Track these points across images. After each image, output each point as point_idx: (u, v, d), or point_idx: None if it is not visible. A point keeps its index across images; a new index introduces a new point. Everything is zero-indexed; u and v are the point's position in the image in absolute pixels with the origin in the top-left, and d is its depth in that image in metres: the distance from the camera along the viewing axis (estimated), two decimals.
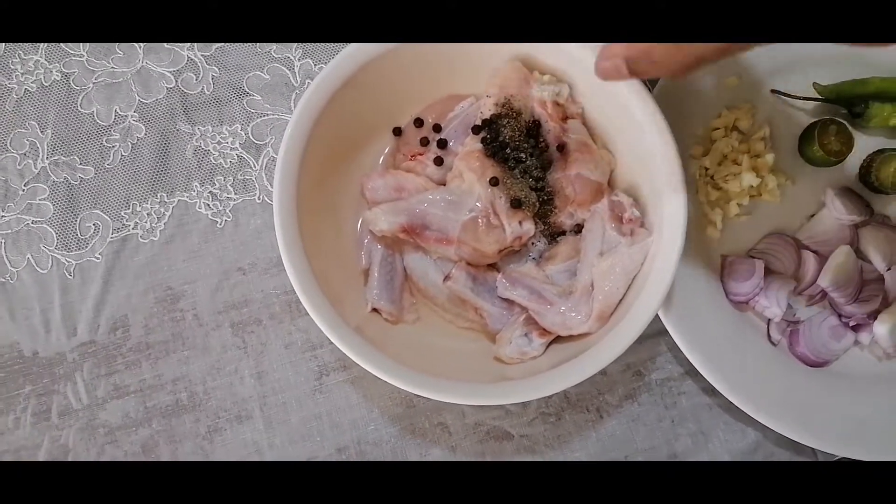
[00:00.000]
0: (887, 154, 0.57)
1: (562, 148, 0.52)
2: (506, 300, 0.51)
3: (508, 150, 0.51)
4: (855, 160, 0.59)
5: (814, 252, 0.57)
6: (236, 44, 0.59)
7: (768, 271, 0.56)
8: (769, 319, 0.56)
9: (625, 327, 0.46)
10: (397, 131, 0.54)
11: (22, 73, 0.58)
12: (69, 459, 0.52)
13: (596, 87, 0.50)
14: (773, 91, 0.60)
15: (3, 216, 0.56)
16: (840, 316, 0.57)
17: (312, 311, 0.46)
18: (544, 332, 0.49)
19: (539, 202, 0.51)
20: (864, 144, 0.59)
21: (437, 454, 0.54)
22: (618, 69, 0.37)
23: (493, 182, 0.49)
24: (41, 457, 0.52)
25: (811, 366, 0.55)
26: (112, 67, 0.58)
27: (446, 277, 0.51)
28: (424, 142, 0.53)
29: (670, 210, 0.47)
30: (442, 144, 0.53)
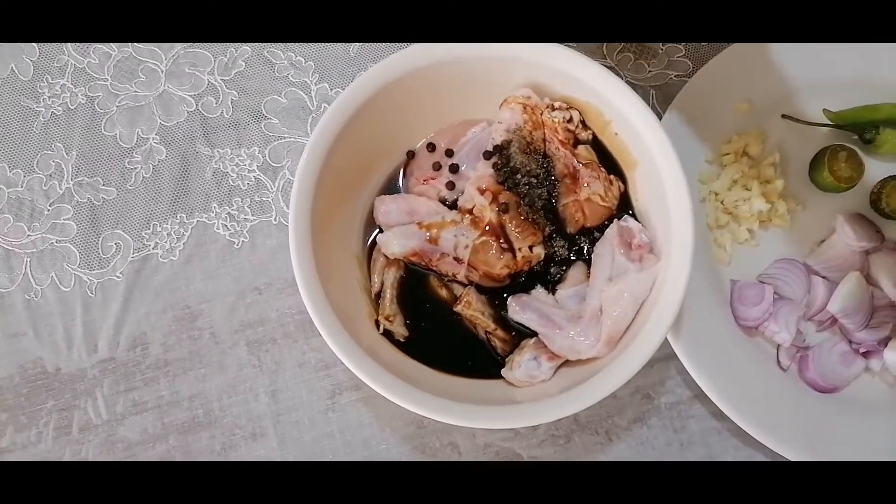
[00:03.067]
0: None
1: (572, 174, 0.53)
2: (516, 323, 0.52)
3: (519, 176, 0.52)
4: (866, 186, 0.59)
5: (824, 278, 0.57)
6: (255, 69, 0.61)
7: (778, 296, 0.57)
8: (779, 345, 0.56)
9: (633, 353, 0.46)
10: (410, 155, 0.56)
11: (49, 97, 0.60)
12: None
13: (609, 113, 0.51)
14: (783, 116, 0.60)
15: (28, 235, 0.58)
16: (850, 342, 0.57)
17: (325, 333, 0.47)
18: (553, 355, 0.50)
19: (550, 226, 0.52)
20: (876, 170, 0.59)
21: None
22: None
23: (504, 208, 0.50)
24: None
25: (821, 392, 0.56)
26: (135, 91, 0.60)
27: (457, 301, 0.52)
28: (437, 166, 0.54)
29: (679, 236, 0.48)
30: (454, 169, 0.54)
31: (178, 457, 0.54)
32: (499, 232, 0.51)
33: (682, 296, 0.47)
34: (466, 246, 0.51)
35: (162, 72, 0.61)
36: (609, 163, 0.54)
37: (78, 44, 0.61)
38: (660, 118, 0.57)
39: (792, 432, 0.53)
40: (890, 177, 0.58)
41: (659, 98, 0.62)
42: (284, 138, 0.60)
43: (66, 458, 0.54)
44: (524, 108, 0.52)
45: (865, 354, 0.56)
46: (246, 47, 0.61)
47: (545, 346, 0.50)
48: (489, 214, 0.51)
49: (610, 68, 0.62)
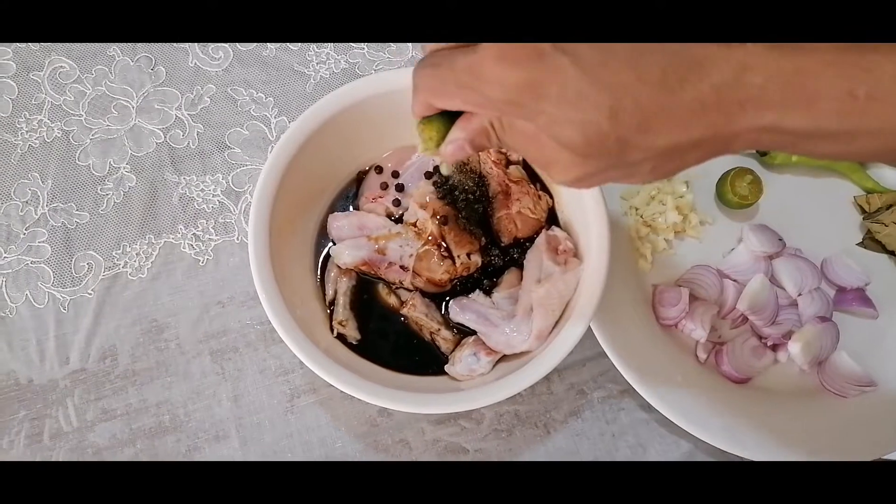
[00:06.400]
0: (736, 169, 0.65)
1: (505, 190, 0.59)
2: (457, 324, 0.57)
3: (457, 193, 0.58)
4: (767, 204, 0.67)
5: (734, 281, 0.64)
6: (219, 104, 0.67)
7: (694, 298, 0.63)
8: (696, 340, 0.62)
9: (559, 344, 0.52)
10: (361, 176, 0.62)
11: (27, 131, 0.65)
12: None
13: None
14: None
15: (4, 257, 0.62)
16: (760, 337, 0.63)
17: (285, 336, 0.51)
18: (491, 351, 0.55)
19: (485, 238, 0.58)
20: (773, 181, 0.67)
21: None
22: (462, 149, 0.38)
23: (443, 220, 0.56)
24: None
25: (736, 382, 0.62)
26: (108, 125, 0.66)
27: (403, 304, 0.57)
28: (384, 186, 0.60)
29: (597, 240, 0.54)
30: (400, 188, 0.60)
31: (145, 459, 0.57)
32: (439, 242, 0.57)
33: (600, 292, 0.53)
34: (411, 255, 0.57)
35: (133, 108, 0.66)
36: (539, 181, 0.61)
37: (55, 83, 0.67)
38: None
39: (711, 420, 0.59)
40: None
41: None
42: (246, 166, 0.66)
43: None
44: None
45: (773, 347, 0.63)
46: (211, 85, 0.67)
47: (483, 342, 0.56)
48: (431, 226, 0.57)
49: None
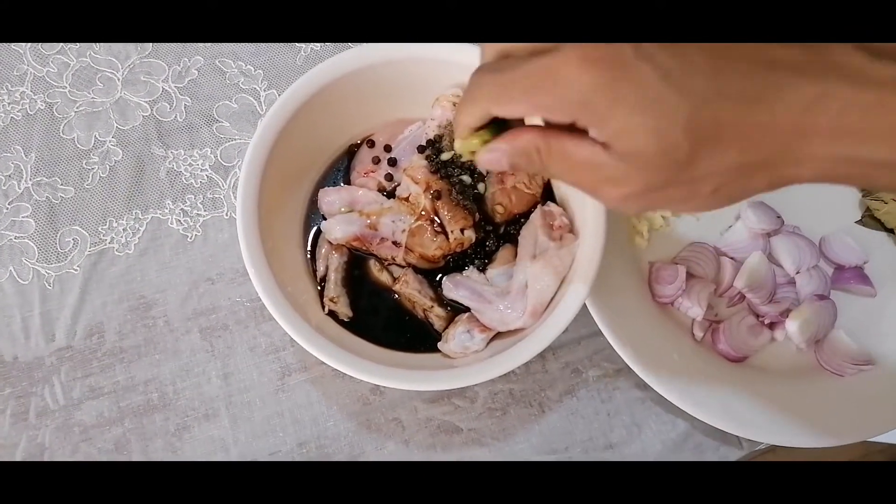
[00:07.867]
0: None
1: None
2: (450, 300, 0.56)
3: (451, 168, 0.57)
4: None
5: (731, 258, 0.63)
6: (207, 77, 0.65)
7: (690, 276, 0.62)
8: (693, 318, 0.62)
9: (554, 320, 0.51)
10: (353, 150, 0.60)
11: (9, 103, 0.64)
12: (45, 457, 0.55)
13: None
14: None
15: None
16: (757, 315, 0.62)
17: (276, 313, 0.50)
18: (484, 328, 0.54)
19: (479, 212, 0.57)
20: None
21: (391, 447, 0.58)
22: (499, 161, 0.38)
23: (436, 194, 0.55)
24: (18, 455, 0.55)
25: (732, 361, 0.61)
26: (93, 98, 0.64)
27: (396, 281, 0.56)
28: (376, 160, 0.59)
29: (593, 216, 0.53)
30: (392, 163, 0.59)
31: (133, 439, 0.56)
32: (433, 217, 0.56)
33: (596, 269, 0.52)
34: (403, 230, 0.56)
35: (118, 80, 0.65)
36: None
37: (38, 54, 0.65)
38: None
39: (708, 399, 0.58)
40: None
41: None
42: (235, 140, 0.64)
43: (23, 444, 0.56)
44: (454, 105, 0.58)
45: (771, 326, 0.62)
46: (198, 57, 0.66)
47: (477, 319, 0.55)
48: (423, 201, 0.56)
49: None
